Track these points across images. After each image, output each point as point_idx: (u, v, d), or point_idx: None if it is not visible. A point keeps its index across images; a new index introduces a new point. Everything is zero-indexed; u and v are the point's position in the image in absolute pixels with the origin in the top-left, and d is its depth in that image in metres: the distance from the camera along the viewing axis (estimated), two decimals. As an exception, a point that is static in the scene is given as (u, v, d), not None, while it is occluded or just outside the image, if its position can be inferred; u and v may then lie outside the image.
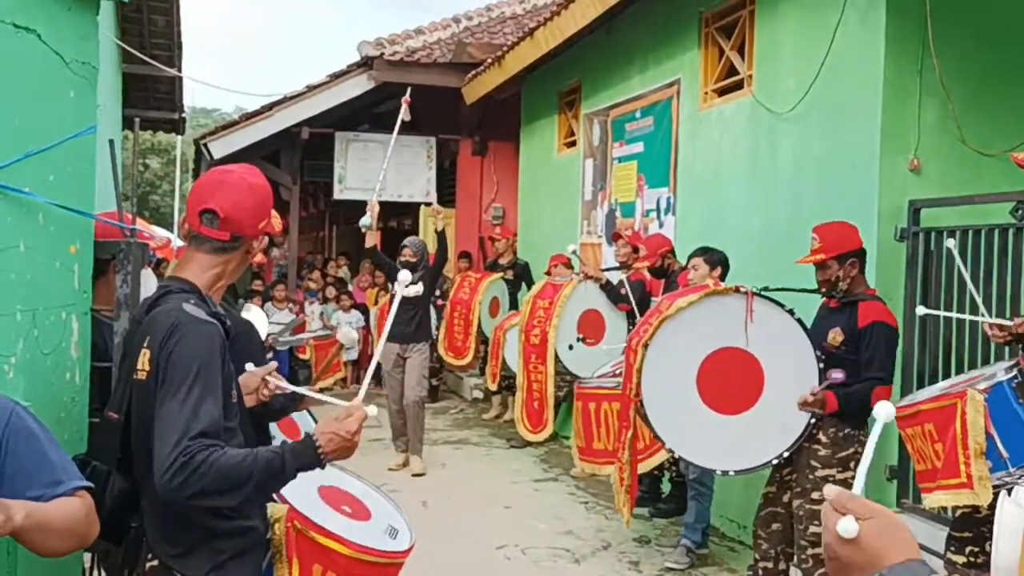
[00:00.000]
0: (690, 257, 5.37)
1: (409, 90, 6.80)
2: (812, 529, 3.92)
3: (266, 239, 2.29)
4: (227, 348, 2.11)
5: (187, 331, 2.01)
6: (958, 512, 3.55)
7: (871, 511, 1.11)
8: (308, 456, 2.03)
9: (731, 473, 4.14)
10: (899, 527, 1.11)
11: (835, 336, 3.96)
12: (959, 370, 4.33)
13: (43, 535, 1.71)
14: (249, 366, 2.60)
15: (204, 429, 1.93)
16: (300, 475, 2.35)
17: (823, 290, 4.09)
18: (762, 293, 4.03)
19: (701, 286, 4.35)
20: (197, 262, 2.17)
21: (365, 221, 6.75)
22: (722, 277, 5.18)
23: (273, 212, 2.29)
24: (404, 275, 2.50)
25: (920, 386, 4.44)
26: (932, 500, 3.35)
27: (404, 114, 6.66)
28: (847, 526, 1.08)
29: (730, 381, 3.99)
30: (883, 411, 1.28)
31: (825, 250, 4.00)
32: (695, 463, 4.21)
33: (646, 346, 4.00)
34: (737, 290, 4.02)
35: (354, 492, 2.60)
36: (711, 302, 4.02)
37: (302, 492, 2.22)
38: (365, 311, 11.75)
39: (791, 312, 4.03)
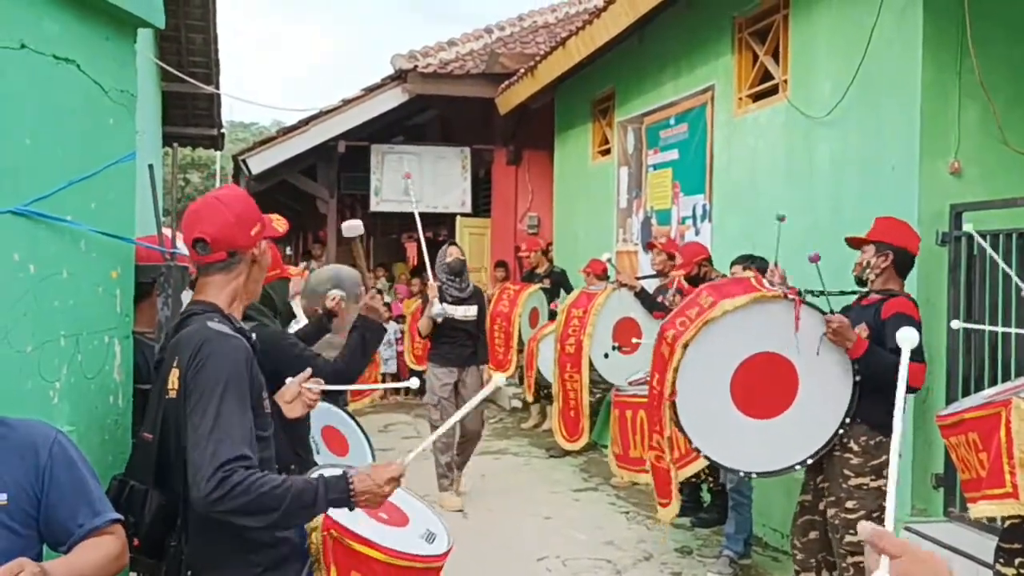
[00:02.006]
0: (732, 265, 5.33)
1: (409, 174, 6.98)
2: (849, 538, 3.89)
3: (264, 243, 2.31)
4: (254, 360, 2.17)
5: (214, 346, 2.08)
6: (1006, 522, 3.48)
7: (901, 549, 1.13)
8: (340, 495, 2.10)
9: (753, 475, 4.11)
10: (928, 562, 1.13)
11: (861, 332, 3.91)
12: (1004, 378, 4.25)
13: None
14: (288, 380, 2.66)
15: (240, 443, 2.00)
16: None
17: (855, 273, 4.08)
18: (807, 300, 3.98)
19: (743, 279, 4.26)
20: (211, 285, 2.25)
21: (437, 310, 6.47)
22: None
23: (275, 216, 2.35)
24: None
25: (964, 394, 4.37)
26: (977, 510, 3.28)
27: (408, 192, 6.74)
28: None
29: (763, 386, 3.93)
30: (906, 335, 1.26)
31: (871, 233, 4.03)
32: (718, 463, 4.16)
33: (686, 346, 3.94)
34: (785, 296, 3.96)
35: (392, 498, 2.63)
36: (758, 307, 3.93)
37: None
38: (403, 320, 11.82)
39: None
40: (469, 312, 6.56)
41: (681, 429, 4.05)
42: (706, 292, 4.17)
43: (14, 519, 1.79)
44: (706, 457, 4.13)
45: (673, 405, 4.01)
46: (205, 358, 2.06)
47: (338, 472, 2.16)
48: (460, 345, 6.63)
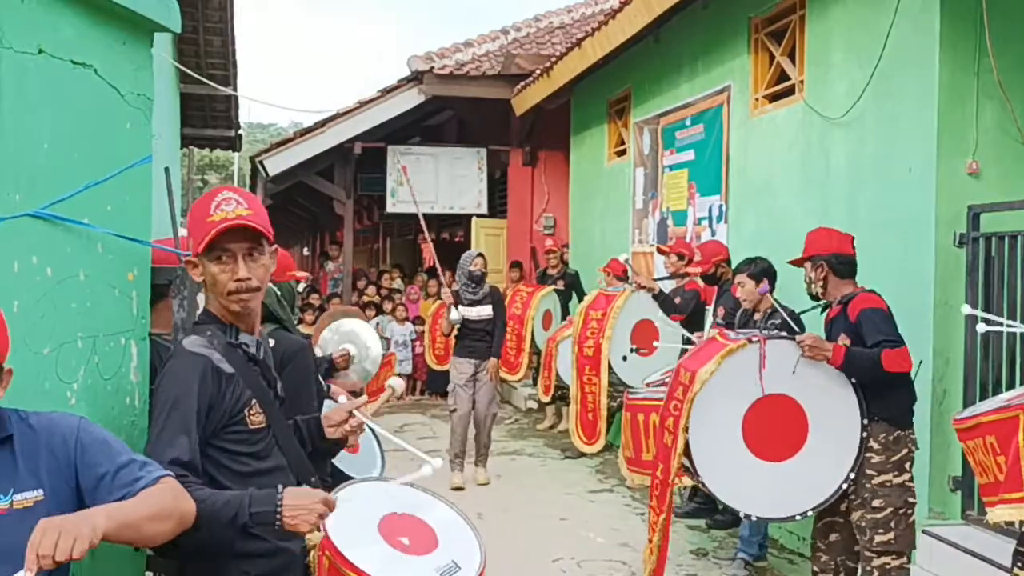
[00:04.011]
0: (735, 272, 5.33)
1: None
2: (878, 538, 3.89)
3: (201, 266, 2.24)
4: (226, 377, 2.16)
5: (172, 363, 2.14)
6: (1024, 526, 3.45)
7: None
8: (267, 516, 2.03)
9: (808, 514, 4.11)
10: None
11: (843, 340, 3.97)
12: (1023, 381, 4.22)
13: (134, 529, 1.75)
14: (342, 398, 2.63)
15: (174, 458, 2.02)
16: (370, 498, 2.30)
17: (808, 293, 4.21)
18: (772, 335, 4.05)
19: (710, 340, 4.36)
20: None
21: (455, 316, 7.25)
22: (771, 287, 5.11)
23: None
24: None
25: (982, 397, 4.33)
26: (995, 515, 3.25)
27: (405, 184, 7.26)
28: None
29: (775, 427, 3.98)
30: None
31: (804, 251, 4.19)
32: (767, 518, 4.23)
33: (687, 430, 4.00)
34: (750, 341, 4.01)
35: (431, 521, 2.37)
36: (728, 363, 3.98)
37: (359, 518, 2.18)
38: (420, 322, 11.85)
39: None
40: (483, 312, 7.27)
41: (725, 504, 4.14)
42: (683, 369, 4.26)
43: (51, 514, 1.76)
44: (762, 519, 4.24)
45: (703, 484, 4.09)
46: (163, 375, 2.14)
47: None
48: (479, 340, 7.34)
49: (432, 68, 11.43)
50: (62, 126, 2.20)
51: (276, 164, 11.75)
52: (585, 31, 9.24)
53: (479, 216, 12.75)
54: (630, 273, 7.56)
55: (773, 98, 6.45)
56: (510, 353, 9.40)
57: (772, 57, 6.46)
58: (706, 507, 6.32)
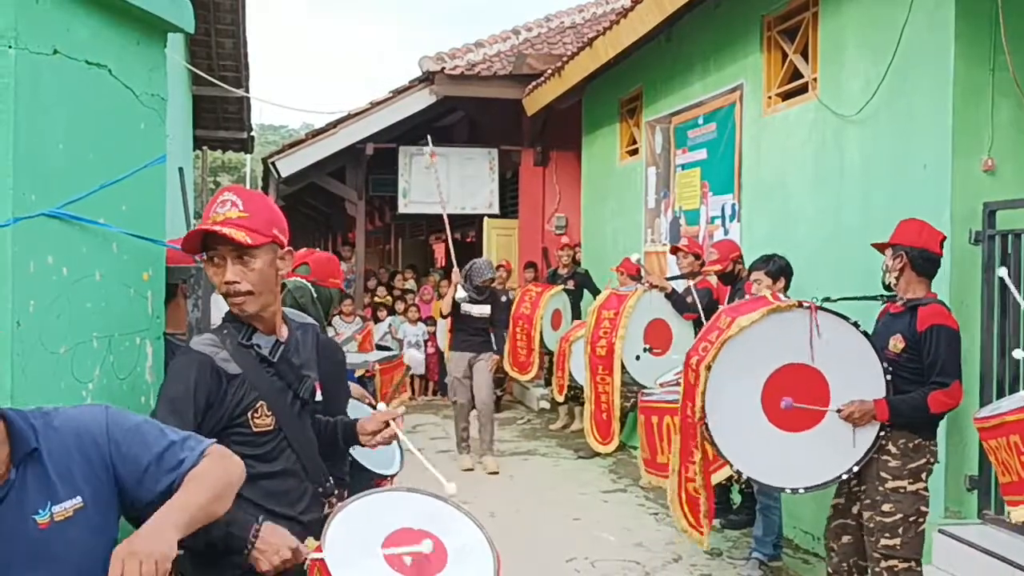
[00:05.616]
0: (750, 270, 5.29)
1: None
2: (883, 542, 3.84)
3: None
4: (228, 378, 2.15)
5: (173, 362, 2.20)
6: (1043, 525, 3.43)
7: None
8: (238, 541, 2.02)
9: (800, 491, 4.03)
10: None
11: (896, 343, 3.87)
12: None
13: (200, 520, 1.75)
14: (381, 406, 2.62)
15: None
16: (386, 509, 2.22)
17: (883, 283, 4.05)
18: (824, 307, 3.94)
19: (760, 297, 4.26)
20: None
21: (461, 295, 7.80)
22: (786, 286, 5.08)
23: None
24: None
25: (1001, 395, 4.30)
26: (1018, 514, 3.24)
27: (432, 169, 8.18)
28: None
29: (795, 398, 3.90)
30: None
31: (891, 237, 4.01)
32: (763, 482, 4.11)
33: (709, 367, 3.93)
34: (800, 305, 3.93)
35: (446, 539, 2.20)
36: (773, 319, 3.91)
37: (366, 530, 2.10)
38: (433, 323, 11.85)
39: (856, 324, 3.92)
40: (483, 310, 7.93)
41: (720, 453, 4.02)
42: (724, 314, 4.17)
43: (93, 519, 1.74)
44: (752, 480, 4.10)
45: (706, 428, 3.99)
46: (166, 372, 2.20)
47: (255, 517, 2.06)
48: (474, 335, 7.97)
49: (443, 69, 11.42)
50: (77, 126, 2.21)
51: (288, 165, 11.76)
52: (596, 30, 9.21)
53: (491, 216, 12.75)
54: (643, 273, 7.56)
55: (786, 96, 6.42)
56: (520, 353, 9.39)
57: (785, 55, 6.44)
58: (720, 506, 6.29)
